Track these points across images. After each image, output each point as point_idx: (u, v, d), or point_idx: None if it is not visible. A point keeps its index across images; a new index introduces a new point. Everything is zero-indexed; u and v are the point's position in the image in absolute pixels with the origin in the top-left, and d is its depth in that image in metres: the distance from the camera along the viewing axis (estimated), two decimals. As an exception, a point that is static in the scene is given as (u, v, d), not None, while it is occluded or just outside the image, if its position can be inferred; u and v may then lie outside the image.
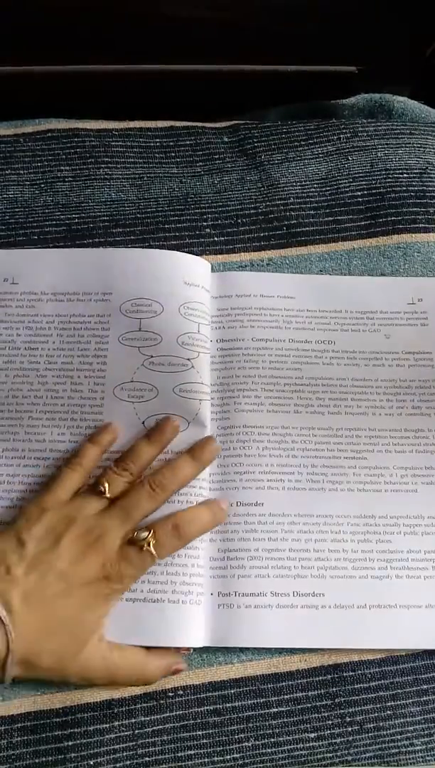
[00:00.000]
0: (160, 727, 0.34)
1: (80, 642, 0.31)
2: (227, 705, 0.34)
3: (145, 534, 0.33)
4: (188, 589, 0.34)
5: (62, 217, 0.44)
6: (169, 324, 0.39)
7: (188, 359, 0.38)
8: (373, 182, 0.46)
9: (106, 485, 0.34)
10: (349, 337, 0.41)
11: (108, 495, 0.34)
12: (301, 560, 0.36)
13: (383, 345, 0.41)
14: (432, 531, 0.37)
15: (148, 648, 0.33)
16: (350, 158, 0.47)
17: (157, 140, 0.48)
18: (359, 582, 0.35)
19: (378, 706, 0.35)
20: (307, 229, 0.45)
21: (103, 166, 0.46)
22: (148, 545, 0.33)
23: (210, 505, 0.36)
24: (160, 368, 0.38)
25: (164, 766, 0.33)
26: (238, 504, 0.36)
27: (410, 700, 0.35)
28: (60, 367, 0.38)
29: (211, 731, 0.34)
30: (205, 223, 0.44)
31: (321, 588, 0.35)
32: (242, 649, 0.35)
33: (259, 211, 0.45)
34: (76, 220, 0.44)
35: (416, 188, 0.46)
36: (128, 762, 0.33)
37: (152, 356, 0.38)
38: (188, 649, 0.34)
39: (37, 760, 0.33)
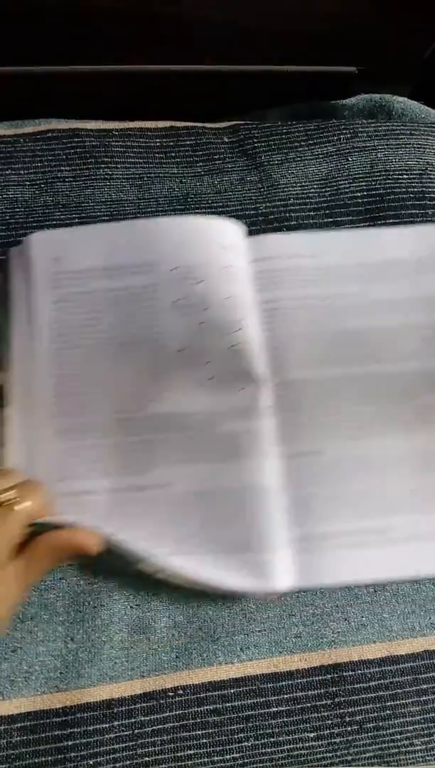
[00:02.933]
0: (160, 726, 0.34)
1: None
2: (227, 705, 0.34)
3: (11, 494, 0.31)
4: (271, 536, 0.35)
5: (62, 217, 0.44)
6: (214, 288, 0.40)
7: (237, 320, 0.39)
8: (373, 183, 0.46)
9: None
10: (383, 286, 0.42)
11: None
12: (367, 499, 0.37)
13: (415, 290, 0.42)
14: None
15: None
16: (350, 159, 0.47)
17: (157, 140, 0.48)
18: (425, 515, 0.37)
19: (378, 705, 0.35)
20: (307, 230, 0.45)
21: (103, 166, 0.46)
22: (14, 501, 0.30)
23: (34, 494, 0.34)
24: (213, 330, 0.39)
25: (164, 766, 0.33)
26: (304, 454, 0.38)
27: (410, 700, 0.35)
28: (119, 340, 0.39)
29: (210, 731, 0.34)
30: (205, 224, 0.44)
31: (392, 523, 0.37)
32: (242, 649, 0.35)
33: (259, 211, 0.45)
34: (76, 220, 0.44)
35: (416, 190, 0.46)
36: (128, 762, 0.33)
37: (203, 320, 0.39)
38: (278, 593, 0.35)
39: (36, 760, 0.33)
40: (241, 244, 0.42)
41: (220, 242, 0.41)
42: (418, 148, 0.48)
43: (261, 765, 0.34)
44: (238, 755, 0.34)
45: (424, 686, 0.35)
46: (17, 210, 0.44)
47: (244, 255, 0.42)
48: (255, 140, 0.48)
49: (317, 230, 0.45)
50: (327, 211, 0.45)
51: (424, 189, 0.46)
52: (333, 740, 0.34)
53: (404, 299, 0.42)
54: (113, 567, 0.36)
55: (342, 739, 0.34)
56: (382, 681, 0.35)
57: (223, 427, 0.37)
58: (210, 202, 0.45)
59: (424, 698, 0.35)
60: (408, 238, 0.44)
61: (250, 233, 0.44)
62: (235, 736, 0.34)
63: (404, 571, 0.36)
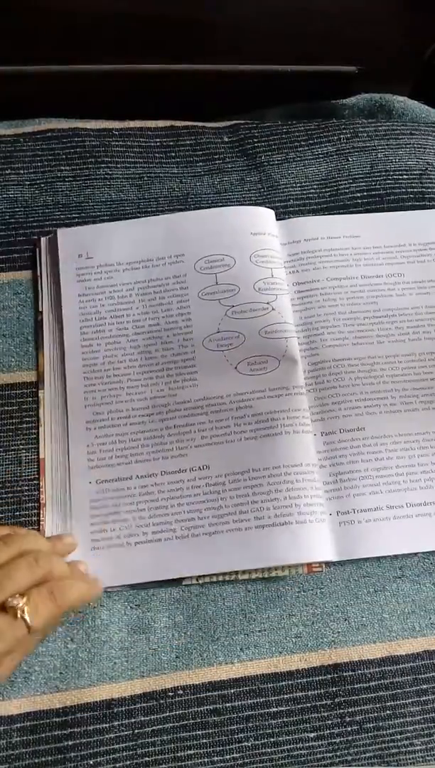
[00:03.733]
0: (160, 726, 0.34)
1: None
2: (227, 705, 0.34)
3: (18, 600, 0.30)
4: (311, 510, 0.37)
5: (62, 217, 0.44)
6: (243, 274, 0.42)
7: (268, 303, 0.41)
8: (373, 184, 0.46)
9: None
10: (417, 267, 0.44)
11: None
12: (409, 474, 0.38)
13: None
14: None
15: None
16: (350, 159, 0.47)
17: (157, 140, 0.48)
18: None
19: (378, 706, 0.35)
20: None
21: (103, 165, 0.46)
22: (23, 612, 0.30)
23: (87, 580, 0.35)
24: (243, 315, 0.41)
25: (164, 766, 0.33)
26: (341, 431, 0.39)
27: (410, 700, 0.35)
28: (148, 330, 0.41)
29: (210, 731, 0.34)
30: (205, 224, 0.44)
31: (432, 497, 0.38)
32: (242, 649, 0.35)
33: (259, 211, 0.45)
34: (77, 220, 0.44)
35: (415, 190, 0.46)
36: (128, 762, 0.33)
37: (233, 305, 0.41)
38: (320, 565, 0.36)
39: (36, 760, 0.33)
40: (272, 228, 0.43)
41: (248, 229, 0.43)
42: (418, 148, 0.48)
43: (261, 765, 0.34)
44: (238, 755, 0.34)
45: (424, 686, 0.35)
46: (17, 210, 0.44)
47: (276, 238, 0.43)
48: (255, 140, 0.48)
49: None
50: (327, 212, 0.45)
51: (424, 189, 0.46)
52: (333, 740, 0.34)
53: None
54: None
55: (342, 739, 0.34)
56: (382, 681, 0.35)
57: (257, 407, 0.39)
58: (210, 201, 0.45)
59: (424, 698, 0.35)
60: None
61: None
62: (235, 736, 0.34)
63: None
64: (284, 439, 0.38)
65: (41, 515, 0.37)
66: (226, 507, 0.37)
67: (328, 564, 0.37)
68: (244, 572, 0.36)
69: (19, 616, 0.30)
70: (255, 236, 0.43)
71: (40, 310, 0.42)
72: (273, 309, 0.41)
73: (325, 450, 0.39)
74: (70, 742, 0.33)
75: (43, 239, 0.43)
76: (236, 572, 0.36)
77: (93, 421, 0.39)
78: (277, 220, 0.44)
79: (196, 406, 0.39)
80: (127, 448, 0.38)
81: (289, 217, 0.45)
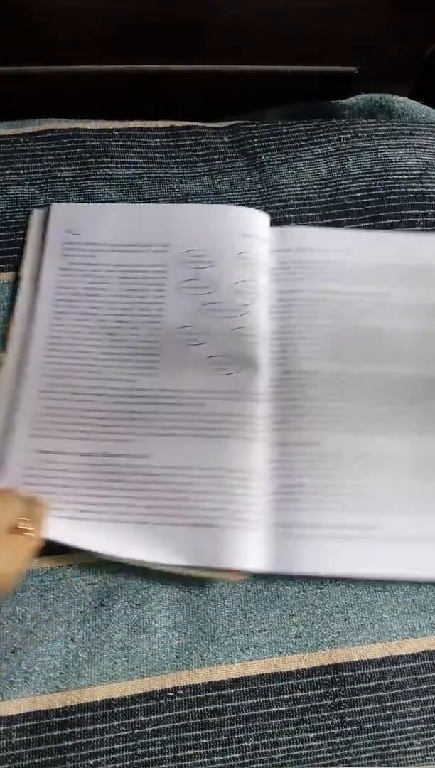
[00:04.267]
0: (160, 726, 0.34)
1: None
2: (227, 705, 0.34)
3: (23, 522, 0.32)
4: (242, 516, 0.36)
5: (62, 217, 0.44)
6: (224, 273, 0.41)
7: (243, 305, 0.41)
8: (373, 183, 0.46)
9: None
10: (405, 291, 0.43)
11: None
12: (359, 496, 0.37)
13: None
14: None
15: None
16: (350, 159, 0.47)
17: (157, 140, 0.48)
18: (415, 518, 0.37)
19: (378, 706, 0.35)
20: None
21: (103, 166, 0.46)
22: (28, 529, 0.32)
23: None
24: (216, 314, 0.40)
25: (164, 765, 0.33)
26: (298, 443, 0.38)
27: (410, 700, 0.35)
28: (120, 312, 0.41)
29: (210, 731, 0.34)
30: (205, 224, 0.44)
31: (378, 521, 0.37)
32: (242, 649, 0.35)
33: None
34: (76, 220, 0.44)
35: (416, 190, 0.46)
36: (128, 762, 0.33)
37: (208, 302, 0.41)
38: (246, 573, 0.35)
39: (36, 760, 0.33)
40: (264, 234, 0.43)
41: (239, 230, 0.42)
42: (418, 148, 0.48)
43: (261, 765, 0.34)
44: (238, 755, 0.34)
45: (424, 686, 0.35)
46: (17, 210, 0.44)
47: (266, 244, 0.43)
48: (255, 140, 0.48)
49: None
50: (327, 212, 0.45)
51: (424, 189, 0.46)
52: (333, 740, 0.34)
53: (425, 306, 0.42)
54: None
55: (342, 739, 0.34)
56: (382, 681, 0.35)
57: (210, 407, 0.38)
58: (210, 201, 0.45)
59: (424, 698, 0.35)
60: None
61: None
62: (235, 736, 0.34)
63: (385, 570, 0.36)
64: (230, 443, 0.37)
65: None
66: (159, 499, 0.36)
67: (261, 575, 0.36)
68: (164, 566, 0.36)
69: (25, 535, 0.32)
70: (244, 238, 0.42)
71: (20, 274, 0.42)
72: (247, 313, 0.40)
73: (279, 460, 0.38)
74: (70, 742, 0.33)
75: (36, 210, 0.44)
76: (156, 564, 0.35)
77: (46, 392, 0.39)
78: (276, 225, 0.44)
79: (151, 395, 0.39)
80: (74, 424, 0.38)
81: (288, 221, 0.45)
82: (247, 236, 0.42)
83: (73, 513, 0.36)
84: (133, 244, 0.43)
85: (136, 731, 0.34)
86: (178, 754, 0.33)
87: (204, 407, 0.38)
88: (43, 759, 0.33)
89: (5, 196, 0.45)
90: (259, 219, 0.43)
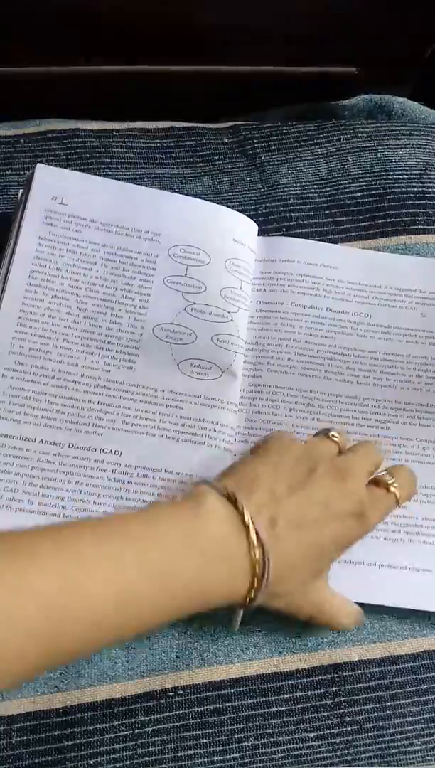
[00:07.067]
0: (160, 726, 0.34)
1: (317, 574, 0.32)
2: (227, 705, 0.34)
3: (389, 477, 0.33)
4: None
5: (62, 217, 0.44)
6: (214, 275, 0.40)
7: (229, 312, 0.40)
8: (373, 183, 0.46)
9: (337, 434, 0.34)
10: (386, 312, 0.42)
11: (338, 441, 0.34)
12: None
13: (418, 323, 0.42)
14: None
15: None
16: (350, 159, 0.47)
17: (158, 141, 0.48)
18: (372, 542, 0.36)
19: (378, 705, 0.35)
20: (307, 230, 0.45)
21: (103, 166, 0.46)
22: (394, 486, 0.33)
23: None
24: (201, 315, 0.39)
25: (164, 765, 0.33)
26: None
27: (410, 700, 0.35)
28: (101, 297, 0.39)
29: (210, 731, 0.34)
30: (205, 224, 0.44)
31: None
32: (242, 649, 0.35)
33: (259, 212, 0.45)
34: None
35: (416, 189, 0.46)
36: (128, 762, 0.33)
37: (195, 303, 0.40)
38: None
39: (36, 761, 0.33)
40: (251, 242, 0.42)
41: (231, 234, 0.42)
42: (418, 148, 0.48)
43: (261, 765, 0.34)
44: (238, 755, 0.34)
45: (424, 686, 0.35)
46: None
47: (252, 253, 0.42)
48: (255, 140, 0.48)
49: (318, 230, 0.45)
50: (327, 212, 0.45)
51: (423, 189, 0.46)
52: (333, 740, 0.34)
53: (405, 329, 0.42)
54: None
55: (342, 739, 0.34)
56: (382, 681, 0.35)
57: (188, 411, 0.38)
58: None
59: (424, 698, 0.35)
60: (425, 270, 0.44)
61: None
62: (235, 736, 0.34)
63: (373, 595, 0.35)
64: (205, 450, 0.37)
65: None
66: (127, 500, 0.35)
67: None
68: None
69: (390, 490, 0.33)
70: (235, 243, 0.41)
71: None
72: (232, 320, 0.40)
73: None
74: (70, 742, 0.33)
75: (28, 174, 0.41)
76: None
77: (12, 370, 0.37)
78: (276, 225, 0.44)
79: (126, 390, 0.37)
80: (40, 409, 0.36)
81: (288, 220, 0.45)
82: (238, 243, 0.42)
83: (33, 506, 0.34)
84: (124, 227, 0.41)
85: (136, 731, 0.34)
86: (178, 754, 0.33)
87: (182, 410, 0.37)
88: (43, 759, 0.33)
89: (5, 196, 0.45)
90: (249, 227, 0.43)
